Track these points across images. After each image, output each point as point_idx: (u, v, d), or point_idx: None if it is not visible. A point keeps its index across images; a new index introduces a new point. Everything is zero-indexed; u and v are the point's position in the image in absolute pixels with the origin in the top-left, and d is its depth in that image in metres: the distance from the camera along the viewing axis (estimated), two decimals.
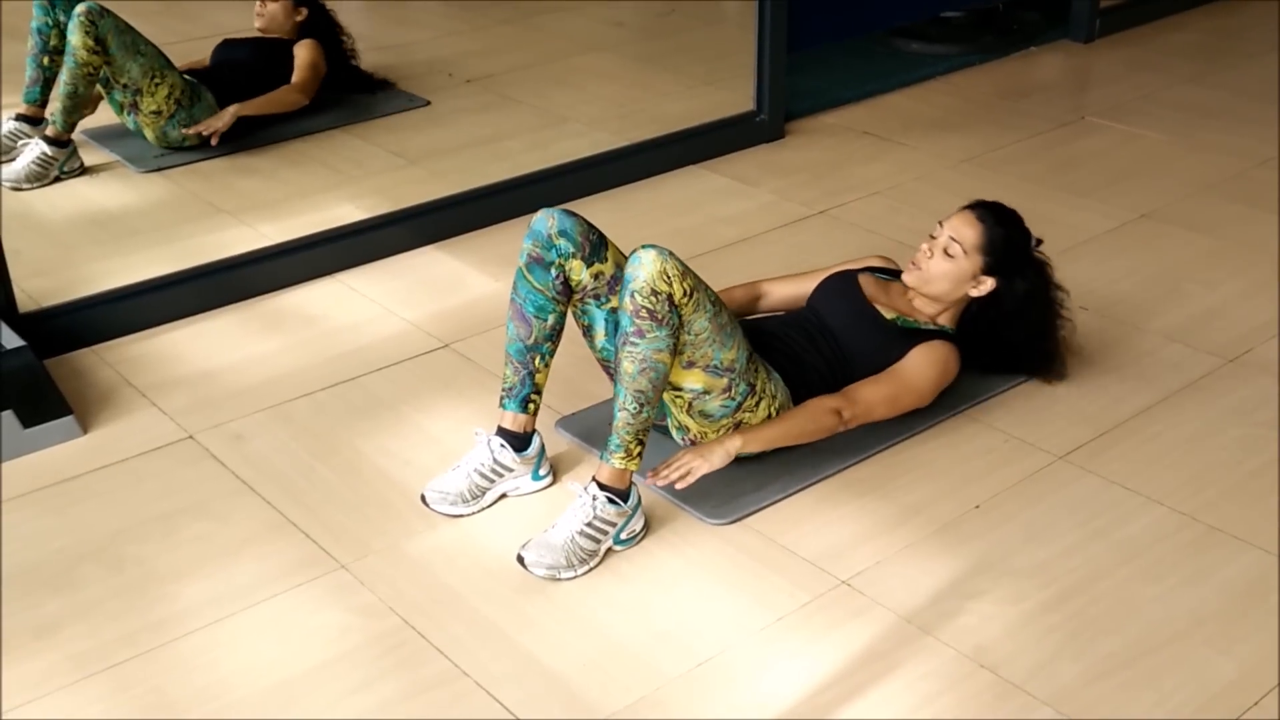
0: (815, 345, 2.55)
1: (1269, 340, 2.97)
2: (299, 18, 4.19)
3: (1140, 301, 3.15)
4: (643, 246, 2.22)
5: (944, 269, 2.59)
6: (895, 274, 2.75)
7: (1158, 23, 5.28)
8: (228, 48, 4.18)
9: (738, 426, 2.39)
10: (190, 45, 4.28)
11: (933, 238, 2.63)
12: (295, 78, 4.11)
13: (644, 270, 2.18)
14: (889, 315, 2.60)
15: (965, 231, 2.59)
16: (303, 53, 4.14)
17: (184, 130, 3.88)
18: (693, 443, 2.45)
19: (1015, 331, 2.66)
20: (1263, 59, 4.87)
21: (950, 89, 4.65)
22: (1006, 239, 2.60)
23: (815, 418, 2.42)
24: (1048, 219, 3.62)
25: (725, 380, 2.33)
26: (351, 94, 4.30)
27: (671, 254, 2.22)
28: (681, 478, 2.29)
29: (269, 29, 4.18)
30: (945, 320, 2.65)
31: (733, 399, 2.35)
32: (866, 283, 2.68)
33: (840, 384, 2.52)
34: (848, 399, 2.46)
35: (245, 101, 3.97)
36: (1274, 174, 3.87)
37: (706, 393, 2.34)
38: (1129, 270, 3.31)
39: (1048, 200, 3.72)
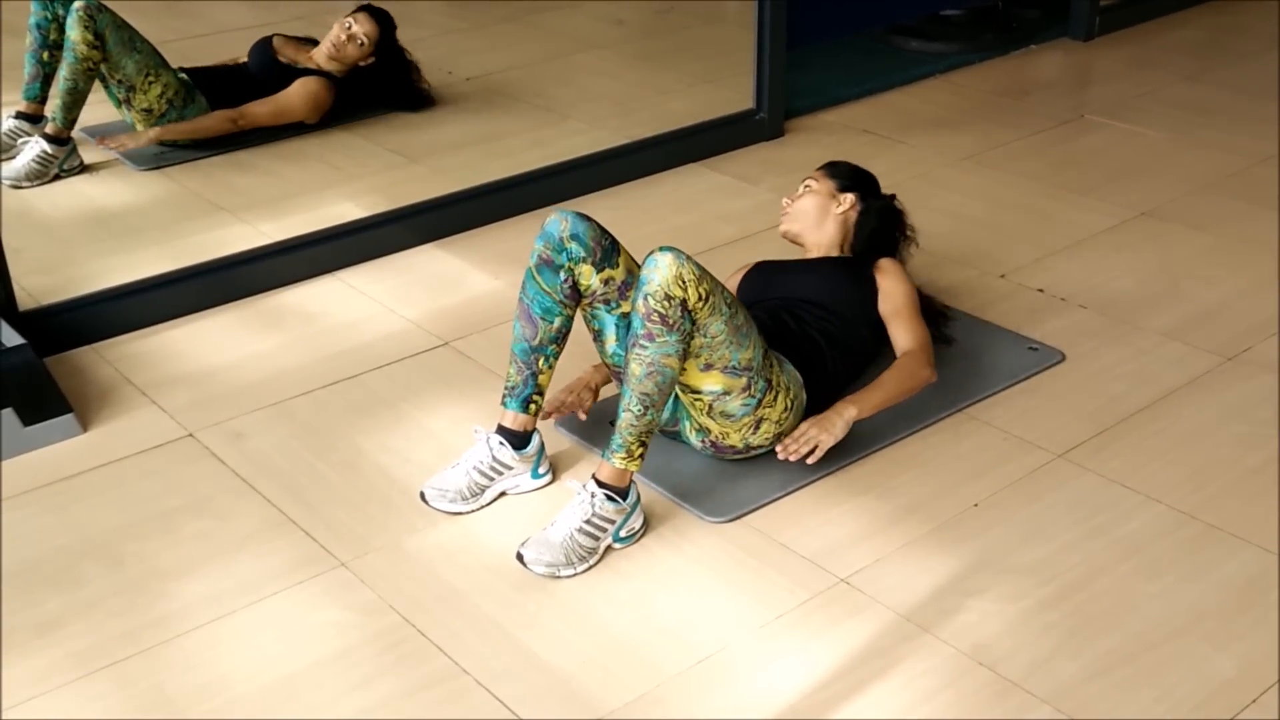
0: (802, 320, 2.60)
1: (1268, 338, 2.97)
2: (363, 64, 4.12)
3: (1139, 299, 3.15)
4: (659, 249, 2.21)
5: (805, 203, 2.86)
6: (781, 261, 2.90)
7: (1157, 20, 5.28)
8: (257, 50, 4.11)
9: (759, 423, 2.40)
10: (190, 44, 4.28)
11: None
12: (252, 105, 3.95)
13: (659, 274, 2.18)
14: (832, 255, 2.83)
15: (815, 173, 2.91)
16: (296, 86, 4.01)
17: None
18: (714, 444, 2.45)
19: (886, 227, 2.88)
20: (1262, 56, 4.87)
21: (950, 87, 4.65)
22: (849, 167, 2.92)
23: (913, 374, 2.56)
24: (1047, 217, 3.63)
25: (744, 379, 2.33)
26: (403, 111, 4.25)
27: (689, 258, 2.21)
28: (811, 453, 2.37)
29: (328, 55, 4.08)
30: (845, 252, 2.87)
31: (753, 396, 2.36)
32: (783, 264, 2.86)
33: (842, 340, 2.60)
34: (919, 345, 2.61)
35: (169, 125, 3.86)
36: (1274, 171, 3.87)
37: (726, 393, 2.34)
38: (1128, 268, 3.31)
39: (1047, 198, 3.72)
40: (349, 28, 4.09)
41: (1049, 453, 2.57)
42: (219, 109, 3.94)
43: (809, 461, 2.37)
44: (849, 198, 2.85)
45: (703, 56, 4.88)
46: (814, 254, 2.84)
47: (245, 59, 4.14)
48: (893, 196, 2.93)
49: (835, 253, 2.84)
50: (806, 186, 2.88)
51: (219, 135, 3.93)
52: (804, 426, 2.39)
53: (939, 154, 4.04)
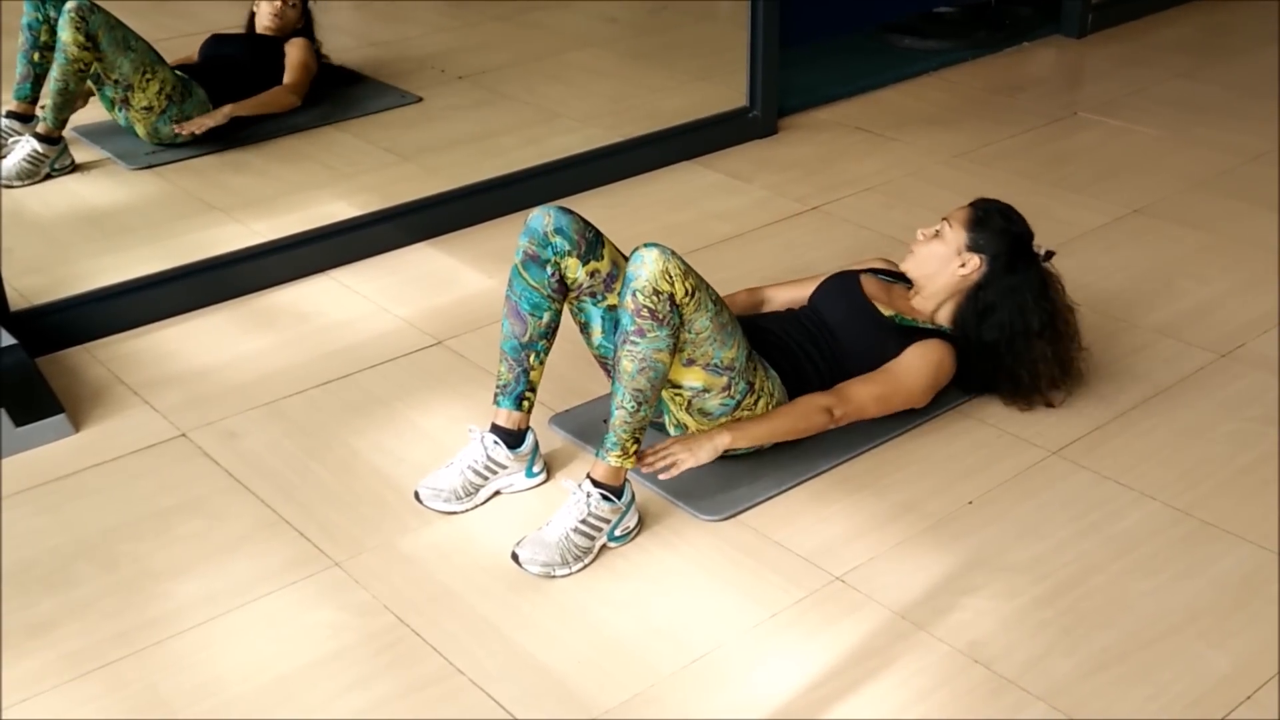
0: (814, 342, 2.55)
1: (1261, 335, 2.97)
2: (292, 12, 4.20)
3: (1133, 297, 3.15)
4: (645, 245, 2.22)
5: (933, 249, 2.61)
6: (898, 276, 2.74)
7: (1150, 18, 5.28)
8: (217, 43, 4.17)
9: None
10: (182, 41, 4.26)
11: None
12: (288, 78, 4.10)
13: (646, 269, 2.18)
14: (887, 313, 2.59)
15: (957, 212, 2.64)
16: (295, 52, 4.13)
17: (176, 128, 3.87)
18: None
19: (998, 321, 2.54)
20: (1255, 54, 4.88)
21: (942, 84, 4.65)
22: (998, 223, 2.59)
23: (806, 415, 2.42)
24: (1040, 214, 3.61)
25: (725, 379, 2.33)
26: (330, 88, 4.27)
27: (674, 253, 2.21)
28: (667, 468, 2.30)
29: (279, 29, 4.15)
30: (943, 318, 2.63)
31: (732, 397, 2.35)
32: (868, 282, 2.68)
33: (836, 381, 2.52)
34: (839, 397, 2.46)
35: (240, 102, 3.96)
36: (1266, 169, 3.87)
37: (706, 391, 2.34)
38: (1121, 265, 3.32)
39: (1040, 196, 3.72)
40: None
41: (1043, 450, 2.57)
42: (217, 100, 3.95)
43: (661, 477, 2.31)
44: (974, 260, 2.56)
45: (696, 54, 4.87)
46: (912, 297, 2.65)
47: (196, 57, 4.14)
48: (1039, 271, 2.57)
49: (930, 306, 2.62)
50: (943, 222, 2.62)
51: (286, 109, 4.07)
52: (669, 441, 2.34)
53: (932, 152, 4.04)
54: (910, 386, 2.52)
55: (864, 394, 2.48)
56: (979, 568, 2.25)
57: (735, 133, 4.09)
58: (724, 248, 3.41)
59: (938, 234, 2.62)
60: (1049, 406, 2.65)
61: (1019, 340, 2.57)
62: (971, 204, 2.67)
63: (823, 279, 2.73)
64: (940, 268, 2.60)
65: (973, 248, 2.58)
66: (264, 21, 4.18)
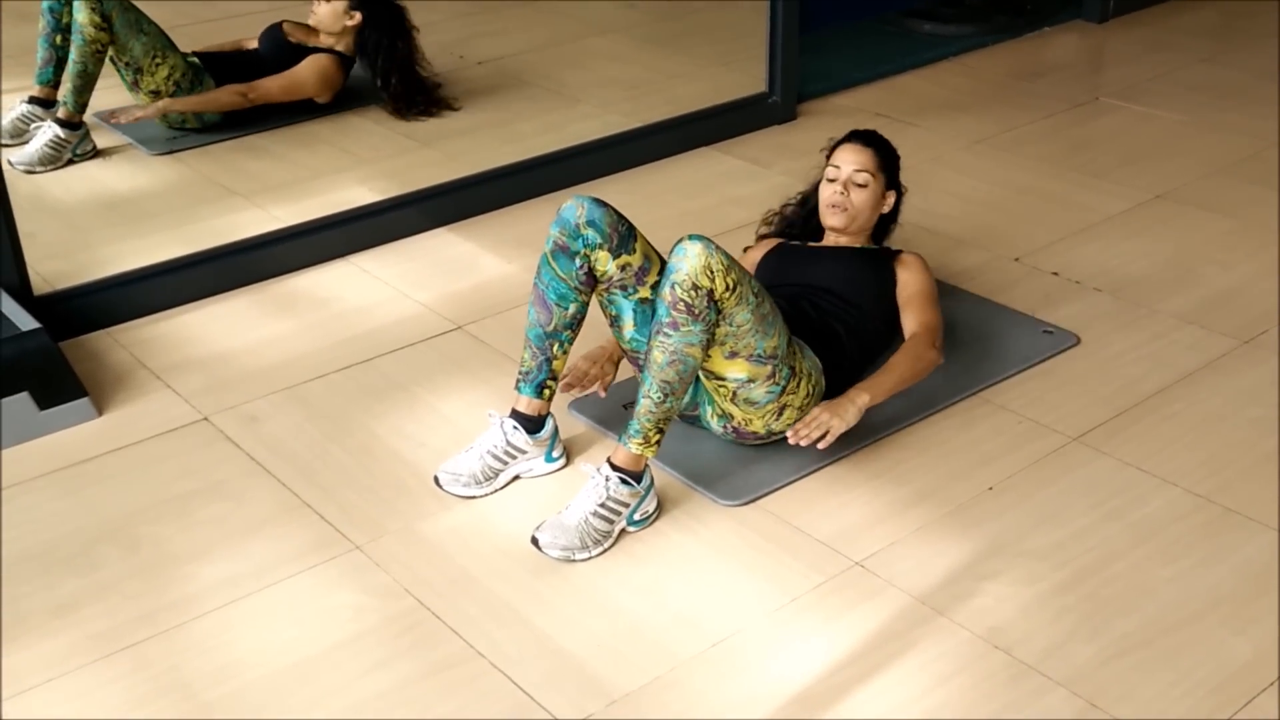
0: (821, 309, 2.59)
1: None
2: (350, 23, 4.04)
3: (1155, 283, 3.14)
4: (689, 238, 2.20)
5: (864, 198, 2.75)
6: (802, 239, 2.89)
7: (1172, 2, 5.24)
8: (268, 34, 4.11)
9: (783, 410, 2.39)
10: (201, 28, 4.28)
11: (831, 181, 2.76)
12: (263, 81, 3.94)
13: (688, 263, 2.17)
14: (856, 244, 2.79)
15: (864, 158, 2.75)
16: (302, 64, 4.00)
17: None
18: (735, 430, 2.44)
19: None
20: (1277, 39, 4.83)
21: (963, 70, 4.63)
22: (892, 153, 2.81)
23: (920, 356, 2.55)
24: (1062, 200, 3.61)
25: (769, 367, 2.32)
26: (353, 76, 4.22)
27: (718, 247, 2.20)
28: (822, 437, 2.35)
29: (320, 29, 4.06)
30: (867, 243, 2.84)
31: (777, 384, 2.35)
32: (805, 250, 2.82)
33: (859, 330, 2.59)
34: (925, 328, 2.61)
35: (177, 98, 3.86)
36: None
37: (751, 381, 2.33)
38: (1144, 251, 3.30)
39: (1062, 181, 3.70)
40: None
41: (1064, 436, 2.56)
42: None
43: (820, 446, 2.36)
44: (892, 197, 2.82)
45: (715, 40, 4.86)
46: (839, 241, 2.81)
47: (255, 43, 4.13)
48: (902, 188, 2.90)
49: (860, 242, 2.82)
50: (860, 178, 2.74)
51: (229, 109, 3.92)
52: (816, 411, 2.37)
53: (952, 137, 4.02)
54: (935, 293, 2.72)
55: (933, 317, 2.65)
56: (999, 553, 2.24)
57: (754, 118, 4.08)
58: (742, 233, 3.39)
59: (859, 185, 2.74)
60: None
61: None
62: (864, 143, 2.78)
63: (759, 257, 2.83)
64: (873, 213, 2.80)
65: (889, 186, 2.81)
66: (309, 19, 4.06)
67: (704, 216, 3.46)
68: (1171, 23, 5.05)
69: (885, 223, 2.86)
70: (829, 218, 2.77)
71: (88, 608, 2.15)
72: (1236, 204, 3.54)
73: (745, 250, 2.90)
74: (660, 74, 4.59)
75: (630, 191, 3.61)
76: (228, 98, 3.92)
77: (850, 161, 2.75)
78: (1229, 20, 5.10)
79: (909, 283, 2.71)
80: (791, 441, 2.36)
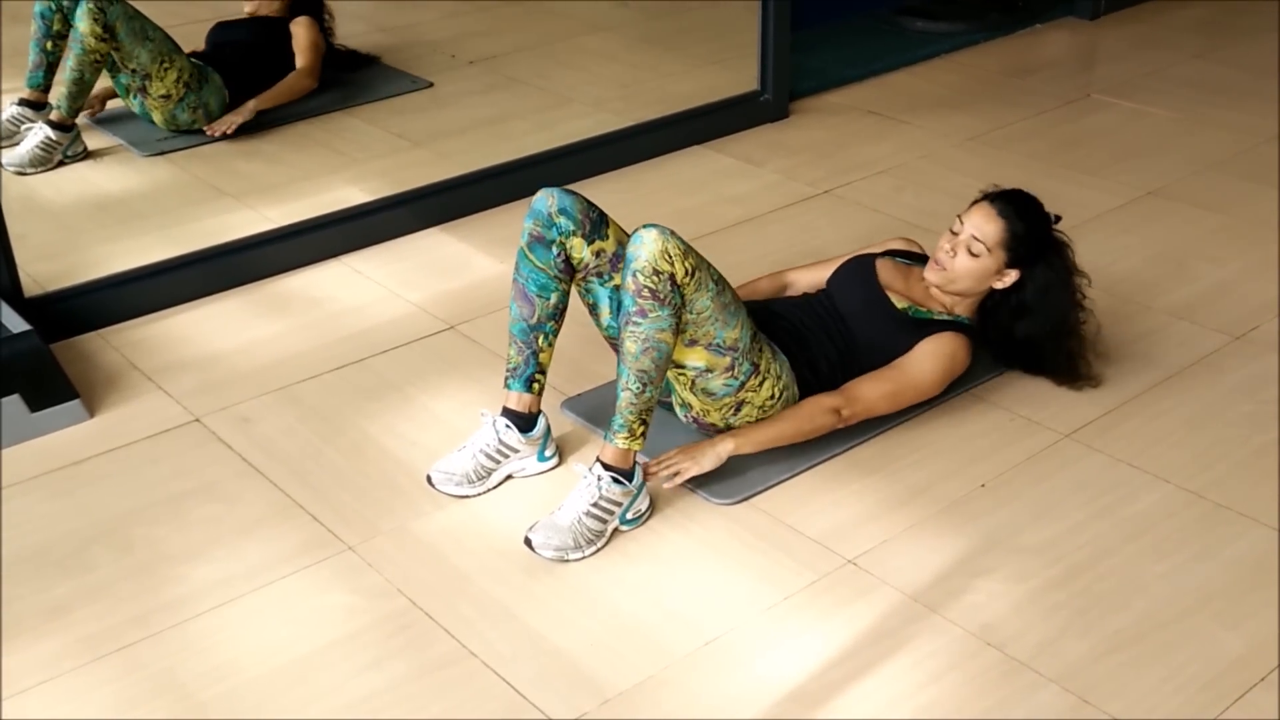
0: (825, 329, 2.54)
1: (1276, 317, 2.96)
2: None
3: (1147, 279, 3.14)
4: (644, 226, 2.22)
5: (968, 267, 2.53)
6: (918, 258, 2.73)
7: None
8: (223, 30, 4.16)
9: (740, 405, 2.39)
10: (193, 28, 4.26)
11: (953, 234, 2.56)
12: (301, 61, 4.09)
13: (645, 250, 2.18)
14: (900, 304, 2.56)
15: (987, 228, 2.52)
16: (302, 32, 4.12)
17: (207, 129, 3.87)
18: (695, 420, 2.45)
19: (1036, 321, 2.58)
20: (1270, 34, 4.85)
21: (955, 67, 4.63)
22: (1029, 231, 2.55)
23: (811, 417, 2.41)
24: (1053, 197, 3.59)
25: (728, 359, 2.33)
26: (340, 73, 4.27)
27: (673, 233, 2.22)
28: (671, 477, 2.32)
29: (259, 9, 4.15)
30: (962, 310, 2.60)
31: (735, 378, 2.35)
32: (884, 268, 2.64)
33: (849, 370, 2.51)
34: (847, 397, 2.44)
35: (261, 94, 3.97)
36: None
37: (709, 371, 2.34)
38: (1135, 248, 3.30)
39: (1053, 178, 3.71)
40: None
41: (1056, 433, 2.56)
42: (230, 85, 3.95)
43: (665, 486, 2.34)
44: (1013, 275, 2.54)
45: (707, 38, 4.86)
46: (930, 294, 2.60)
47: (204, 46, 4.14)
48: (1060, 254, 2.58)
49: (947, 305, 2.59)
50: (974, 240, 2.52)
51: (304, 94, 4.07)
52: (673, 452, 2.36)
53: (945, 134, 4.02)
54: (920, 382, 2.50)
55: (873, 393, 2.46)
56: (992, 550, 2.25)
57: (747, 117, 4.08)
58: (735, 232, 3.40)
59: (970, 251, 2.52)
60: (1093, 385, 2.68)
61: (1058, 333, 2.61)
62: (999, 212, 2.54)
63: (841, 261, 2.73)
64: (976, 284, 2.56)
65: (1012, 265, 2.54)
66: (245, 6, 4.15)
67: (697, 215, 3.46)
68: (1163, 19, 5.05)
69: (999, 302, 2.59)
70: (927, 269, 2.59)
71: (81, 609, 2.15)
72: (1228, 200, 3.55)
73: (864, 248, 2.78)
74: (652, 72, 4.59)
75: (623, 190, 3.61)
76: (300, 82, 4.08)
77: (974, 226, 2.53)
78: (1220, 17, 5.11)
79: (908, 356, 2.50)
80: (644, 478, 2.32)
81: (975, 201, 2.60)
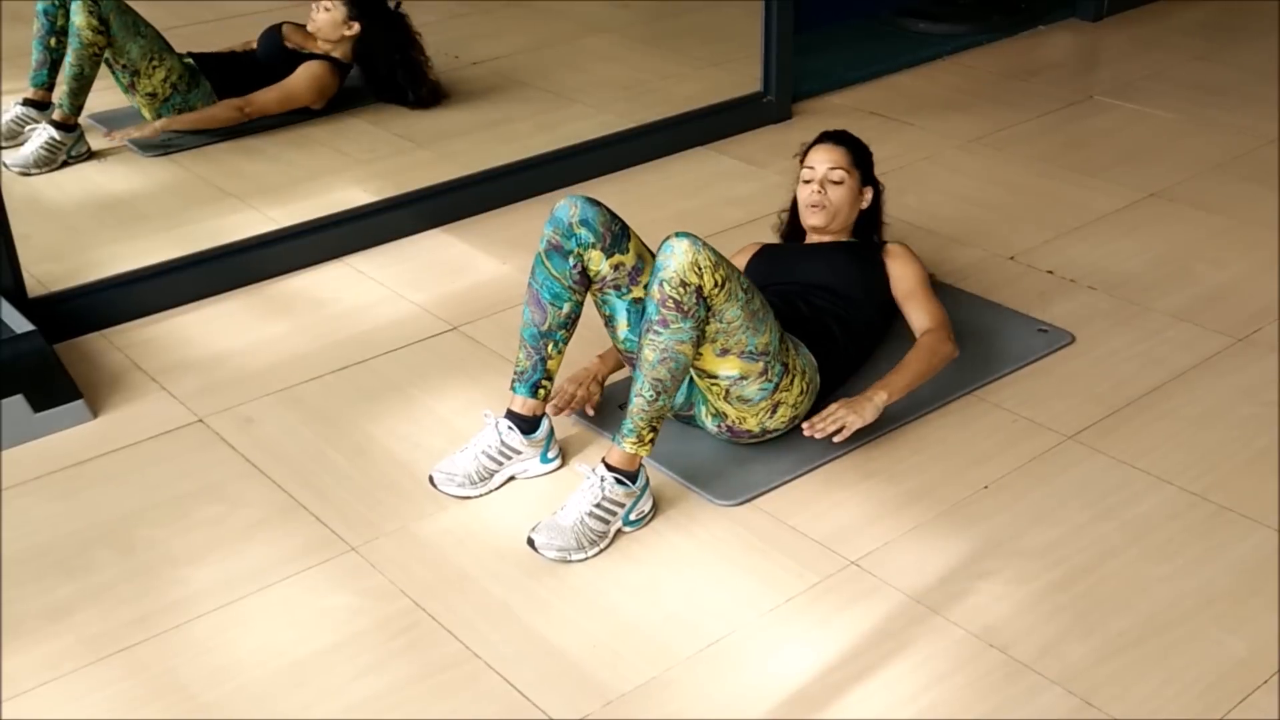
0: (815, 305, 2.60)
1: (1278, 319, 2.96)
2: (349, 33, 4.05)
3: (1149, 281, 3.14)
4: (676, 235, 2.21)
5: (841, 196, 2.76)
6: (782, 244, 2.92)
7: (1166, 1, 5.25)
8: (264, 36, 4.11)
9: (776, 407, 2.40)
10: (197, 30, 4.28)
11: (808, 182, 2.78)
12: (258, 94, 3.94)
13: (675, 260, 2.18)
14: (844, 242, 2.81)
15: (837, 156, 2.78)
16: (298, 72, 4.00)
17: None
18: (729, 429, 2.45)
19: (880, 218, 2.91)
20: (1273, 36, 4.84)
21: (958, 69, 4.63)
22: (863, 149, 2.84)
23: (935, 351, 2.57)
24: (1056, 198, 3.62)
25: (761, 364, 2.33)
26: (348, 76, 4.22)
27: (705, 244, 2.21)
28: (837, 431, 2.37)
29: (317, 35, 4.07)
30: (847, 234, 2.86)
31: (770, 381, 2.36)
32: (790, 249, 2.86)
33: (852, 325, 2.60)
34: (937, 322, 2.64)
35: (176, 116, 3.88)
36: None
37: (744, 378, 2.34)
38: (1137, 249, 3.30)
39: (1056, 180, 3.71)
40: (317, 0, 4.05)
41: (1059, 435, 2.56)
42: (225, 94, 3.94)
43: (835, 440, 2.40)
44: (869, 192, 2.85)
45: (710, 40, 4.86)
46: (823, 239, 2.83)
47: (254, 45, 4.14)
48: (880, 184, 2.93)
49: (844, 238, 2.84)
50: (835, 175, 2.77)
51: (227, 125, 3.92)
52: (833, 407, 2.41)
53: (947, 136, 4.02)
54: (926, 280, 2.75)
55: (937, 308, 2.68)
56: (994, 552, 2.25)
57: (749, 118, 4.08)
58: (738, 233, 3.40)
59: (835, 183, 2.76)
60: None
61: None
62: (835, 141, 2.81)
63: (749, 258, 2.84)
64: (851, 209, 2.81)
65: (865, 182, 2.83)
66: (309, 25, 4.06)
67: (700, 216, 3.46)
68: (1165, 21, 5.05)
69: (867, 219, 2.87)
70: (809, 217, 2.79)
71: (83, 611, 2.15)
72: (1230, 202, 3.55)
73: (733, 256, 2.90)
74: (655, 74, 4.59)
75: (625, 191, 3.61)
76: (225, 113, 3.92)
77: (824, 161, 2.77)
78: (1222, 18, 5.11)
79: (903, 276, 2.73)
80: (806, 433, 2.39)
81: (806, 150, 2.84)
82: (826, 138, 2.84)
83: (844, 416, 2.39)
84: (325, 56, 4.06)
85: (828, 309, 2.61)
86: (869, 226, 2.88)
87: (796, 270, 2.74)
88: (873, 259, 2.76)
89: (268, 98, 3.97)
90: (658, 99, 4.22)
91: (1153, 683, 1.97)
